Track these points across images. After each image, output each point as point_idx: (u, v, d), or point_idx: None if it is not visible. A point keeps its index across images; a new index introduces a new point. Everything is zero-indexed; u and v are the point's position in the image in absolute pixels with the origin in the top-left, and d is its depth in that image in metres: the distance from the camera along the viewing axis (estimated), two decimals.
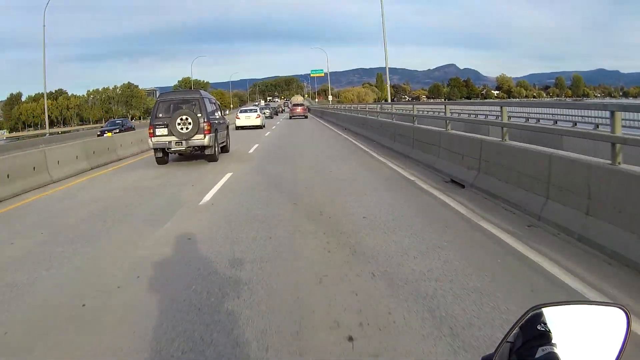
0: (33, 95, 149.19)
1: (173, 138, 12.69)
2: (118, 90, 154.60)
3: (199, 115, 12.80)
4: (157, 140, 12.82)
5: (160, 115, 13.04)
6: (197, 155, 13.57)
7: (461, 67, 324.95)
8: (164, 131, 12.72)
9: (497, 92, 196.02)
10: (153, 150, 13.24)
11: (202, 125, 12.70)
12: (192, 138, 12.69)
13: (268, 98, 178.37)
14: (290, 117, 48.85)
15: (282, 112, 77.62)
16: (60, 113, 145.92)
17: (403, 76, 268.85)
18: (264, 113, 39.83)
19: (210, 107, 13.77)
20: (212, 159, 13.27)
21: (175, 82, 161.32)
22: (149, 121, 14.02)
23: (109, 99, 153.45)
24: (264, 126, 31.83)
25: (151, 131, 12.85)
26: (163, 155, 13.21)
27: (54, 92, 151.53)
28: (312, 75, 68.15)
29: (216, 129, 13.45)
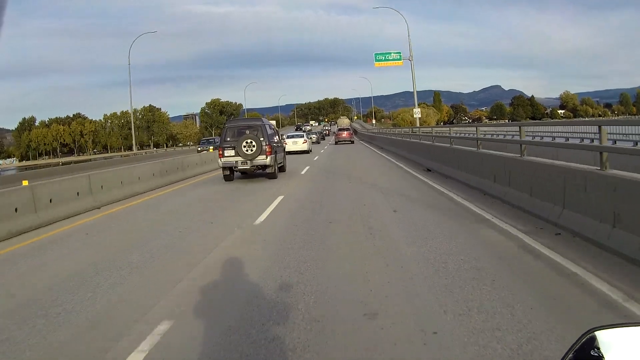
0: (47, 120, 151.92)
1: (239, 158, 16.75)
2: (139, 114, 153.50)
3: (261, 139, 16.84)
4: (225, 160, 16.95)
5: (228, 139, 17.23)
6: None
7: (506, 89, 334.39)
8: (232, 152, 16.82)
9: (562, 111, 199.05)
10: (221, 168, 17.35)
11: (264, 147, 16.71)
12: (256, 158, 16.72)
13: (311, 122, 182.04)
14: (336, 143, 52.33)
15: (328, 135, 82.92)
16: (73, 140, 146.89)
17: (449, 99, 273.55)
18: (311, 138, 44.64)
19: (270, 131, 17.88)
20: (272, 176, 17.35)
21: (203, 105, 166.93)
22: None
23: (128, 124, 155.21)
24: (310, 151, 36.57)
25: (221, 152, 17.00)
26: (230, 173, 17.33)
27: (71, 116, 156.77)
28: (376, 64, 46.97)
29: (275, 151, 17.53)
